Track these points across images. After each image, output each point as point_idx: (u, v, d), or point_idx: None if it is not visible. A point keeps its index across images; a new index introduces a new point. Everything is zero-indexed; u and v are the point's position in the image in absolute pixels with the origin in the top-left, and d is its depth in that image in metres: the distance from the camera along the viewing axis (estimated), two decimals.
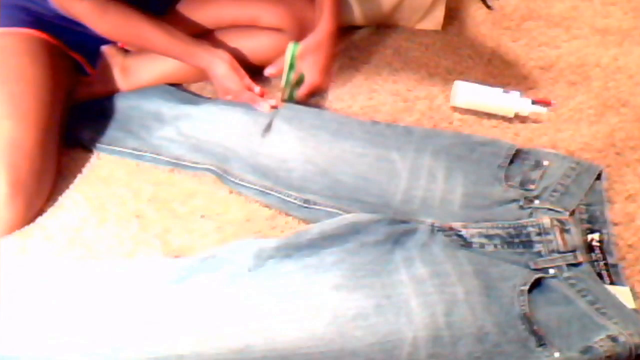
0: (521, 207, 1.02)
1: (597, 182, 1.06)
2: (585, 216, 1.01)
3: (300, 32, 1.19)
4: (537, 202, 1.02)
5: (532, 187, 1.04)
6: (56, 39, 1.13)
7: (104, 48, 1.22)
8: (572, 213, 1.01)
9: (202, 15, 1.24)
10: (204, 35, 1.24)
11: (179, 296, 0.91)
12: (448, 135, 1.15)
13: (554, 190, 1.04)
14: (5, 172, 0.98)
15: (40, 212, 1.04)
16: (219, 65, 1.15)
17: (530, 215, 1.00)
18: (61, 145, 1.12)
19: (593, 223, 1.00)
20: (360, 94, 1.27)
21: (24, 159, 1.00)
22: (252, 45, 1.23)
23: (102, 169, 1.13)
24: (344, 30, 1.33)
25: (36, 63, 1.08)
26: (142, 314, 0.90)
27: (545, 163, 1.07)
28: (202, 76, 1.23)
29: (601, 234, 0.99)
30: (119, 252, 1.00)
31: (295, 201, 1.05)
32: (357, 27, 1.42)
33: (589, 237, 0.98)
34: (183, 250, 1.00)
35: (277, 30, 1.23)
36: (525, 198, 1.02)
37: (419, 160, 1.09)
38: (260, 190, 1.07)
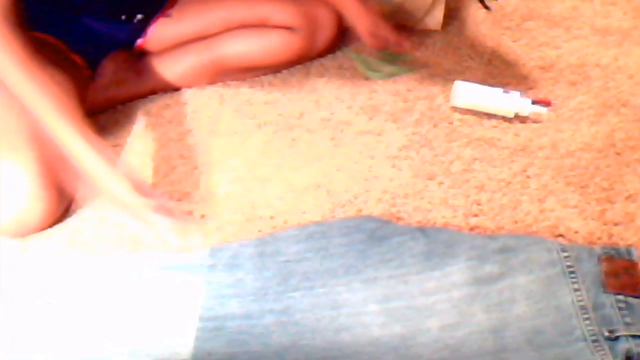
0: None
1: None
2: None
3: (311, 30, 1.18)
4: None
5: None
6: (58, 39, 1.12)
7: (115, 54, 1.20)
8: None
9: (211, 17, 1.23)
10: (213, 37, 1.22)
11: (178, 296, 0.91)
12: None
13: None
14: (33, 162, 0.96)
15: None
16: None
17: None
18: None
19: None
20: (360, 94, 1.27)
21: (50, 150, 0.97)
22: (263, 45, 1.22)
23: None
24: (344, 32, 1.32)
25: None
26: (141, 313, 0.90)
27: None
28: (220, 77, 1.22)
29: None
30: (119, 252, 1.00)
31: None
32: None
33: None
34: (183, 250, 1.00)
35: (288, 28, 1.22)
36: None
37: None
38: None
